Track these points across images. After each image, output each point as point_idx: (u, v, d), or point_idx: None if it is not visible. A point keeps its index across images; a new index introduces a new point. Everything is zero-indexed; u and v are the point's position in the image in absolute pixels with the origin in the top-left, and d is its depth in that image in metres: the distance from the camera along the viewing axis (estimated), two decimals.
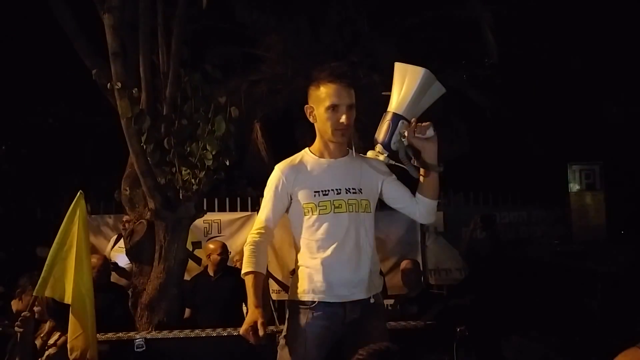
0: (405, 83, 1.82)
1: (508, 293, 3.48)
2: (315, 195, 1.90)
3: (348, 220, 1.88)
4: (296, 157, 1.99)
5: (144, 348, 2.98)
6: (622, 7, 6.03)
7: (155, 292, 3.25)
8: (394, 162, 1.86)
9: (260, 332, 1.73)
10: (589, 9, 5.94)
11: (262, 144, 5.52)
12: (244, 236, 4.34)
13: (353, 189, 1.91)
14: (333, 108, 1.86)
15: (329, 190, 1.90)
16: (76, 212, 2.73)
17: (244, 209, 5.21)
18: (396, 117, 1.81)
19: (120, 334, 3.06)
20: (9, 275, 3.49)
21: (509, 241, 5.14)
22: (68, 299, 2.68)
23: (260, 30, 4.59)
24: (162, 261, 3.27)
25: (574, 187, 5.79)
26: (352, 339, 1.87)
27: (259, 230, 1.93)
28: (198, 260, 4.26)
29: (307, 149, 2.01)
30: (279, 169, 1.95)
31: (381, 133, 1.82)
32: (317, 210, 1.88)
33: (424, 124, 1.79)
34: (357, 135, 5.07)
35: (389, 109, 1.84)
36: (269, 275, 4.32)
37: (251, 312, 1.79)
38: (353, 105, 1.90)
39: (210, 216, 4.73)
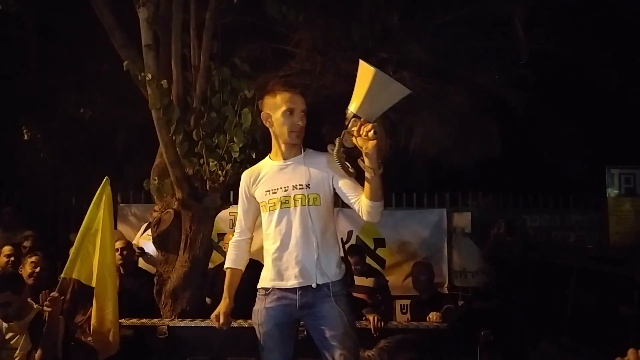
0: (361, 83, 1.89)
1: (536, 298, 3.38)
2: (266, 194, 2.15)
3: (294, 214, 2.09)
4: (257, 164, 2.28)
5: (166, 335, 3.06)
6: None
7: (180, 281, 3.31)
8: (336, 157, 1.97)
9: (221, 320, 2.16)
10: (629, 5, 5.70)
11: None
12: None
13: (300, 185, 2.10)
14: (290, 112, 2.10)
15: (278, 189, 2.13)
16: (102, 197, 2.80)
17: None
18: (350, 114, 1.91)
19: (144, 320, 3.14)
20: (47, 262, 3.60)
21: (539, 244, 5.00)
22: (94, 282, 2.76)
23: (290, 25, 4.61)
24: (187, 250, 3.33)
25: (612, 192, 5.56)
26: (310, 320, 2.11)
27: (237, 230, 2.29)
28: (223, 252, 4.31)
29: (268, 155, 2.25)
30: (242, 177, 2.27)
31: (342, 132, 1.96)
32: (268, 207, 2.14)
33: (367, 124, 1.85)
34: (385, 131, 5.06)
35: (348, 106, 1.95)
36: None
37: (221, 303, 2.20)
38: (305, 110, 2.13)
39: (236, 208, 4.74)
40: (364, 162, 1.89)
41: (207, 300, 3.62)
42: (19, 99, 5.73)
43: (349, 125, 1.89)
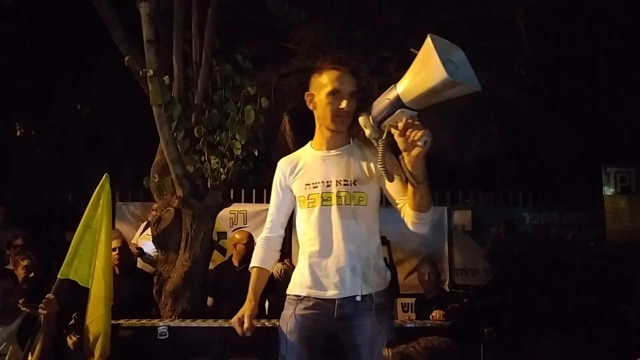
0: (424, 72, 1.50)
1: (539, 295, 3.37)
2: (306, 188, 1.88)
3: (336, 214, 1.82)
4: (296, 152, 2.00)
5: (167, 336, 3.00)
6: None
7: (180, 280, 3.26)
8: (375, 143, 1.69)
9: (245, 324, 1.81)
10: (626, 6, 5.72)
11: (289, 137, 5.53)
12: None
13: (345, 180, 1.84)
14: (334, 93, 1.81)
15: (318, 183, 1.86)
16: (101, 195, 2.72)
17: (270, 200, 5.18)
18: (398, 101, 1.58)
19: (143, 321, 3.08)
20: (42, 262, 3.54)
21: (543, 242, 5.02)
22: (90, 283, 2.68)
23: (292, 22, 4.57)
24: (188, 249, 3.28)
25: (608, 190, 5.63)
26: (346, 334, 1.84)
27: (267, 226, 2.01)
28: (223, 251, 4.27)
29: (309, 142, 1.98)
30: (278, 165, 1.99)
31: (378, 107, 1.63)
32: (307, 203, 1.87)
33: (419, 130, 1.52)
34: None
35: (397, 85, 1.59)
36: None
37: (244, 305, 1.87)
38: (354, 93, 1.84)
39: (236, 207, 4.74)
40: (405, 163, 1.61)
41: (209, 300, 3.58)
42: (12, 93, 5.65)
43: (394, 116, 1.56)
